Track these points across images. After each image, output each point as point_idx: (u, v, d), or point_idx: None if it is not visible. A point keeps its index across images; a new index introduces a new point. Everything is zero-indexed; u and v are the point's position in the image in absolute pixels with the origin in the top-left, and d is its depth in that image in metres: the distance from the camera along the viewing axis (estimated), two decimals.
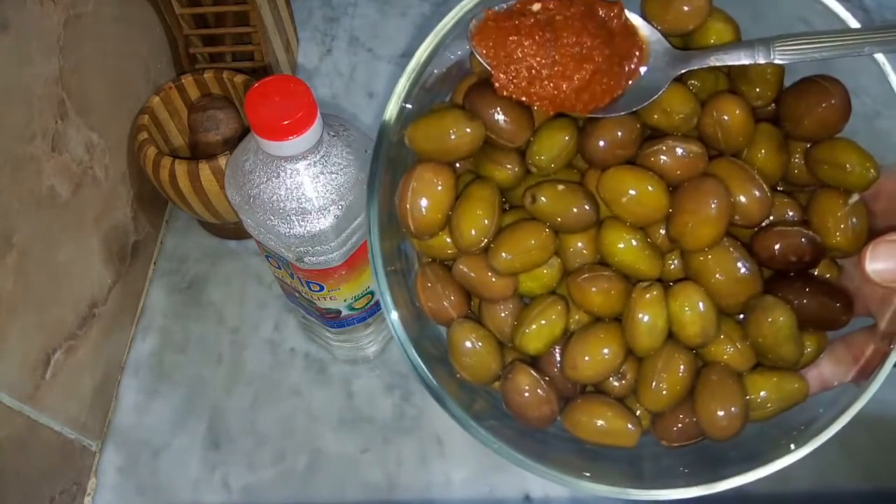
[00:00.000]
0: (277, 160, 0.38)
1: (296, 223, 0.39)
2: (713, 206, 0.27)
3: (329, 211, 0.39)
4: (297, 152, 0.37)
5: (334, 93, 0.73)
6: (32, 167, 0.46)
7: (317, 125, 0.37)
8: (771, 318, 0.28)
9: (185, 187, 0.53)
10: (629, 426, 0.30)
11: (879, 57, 0.29)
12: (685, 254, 0.30)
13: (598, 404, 0.30)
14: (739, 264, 0.28)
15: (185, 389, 0.56)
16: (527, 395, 0.30)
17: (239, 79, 0.58)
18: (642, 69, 0.29)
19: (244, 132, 0.59)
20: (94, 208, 0.53)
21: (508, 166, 0.30)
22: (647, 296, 0.28)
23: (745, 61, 0.28)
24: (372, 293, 0.48)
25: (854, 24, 0.29)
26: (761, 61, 0.28)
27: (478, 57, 0.29)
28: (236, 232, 0.62)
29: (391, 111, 0.31)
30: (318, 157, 0.38)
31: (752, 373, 0.29)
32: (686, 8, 0.29)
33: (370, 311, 0.50)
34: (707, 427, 0.29)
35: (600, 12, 0.28)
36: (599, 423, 0.30)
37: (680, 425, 0.30)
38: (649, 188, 0.28)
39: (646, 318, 0.28)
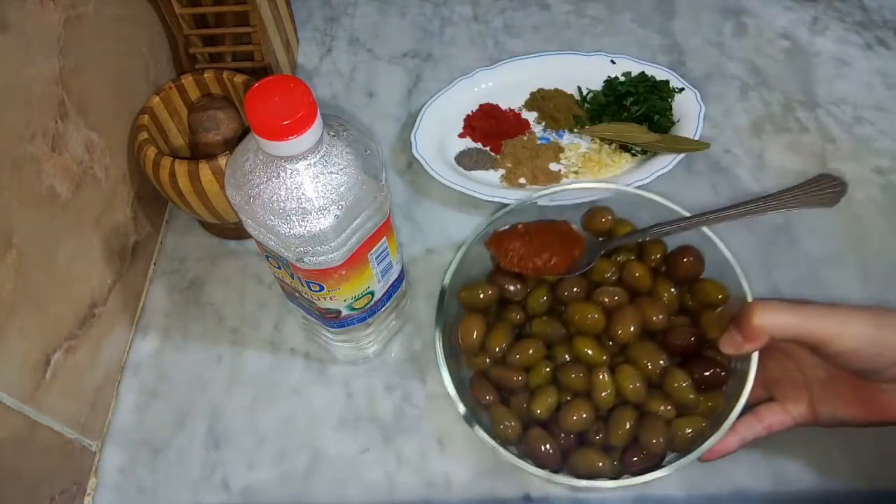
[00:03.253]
0: (277, 160, 0.38)
1: (296, 223, 0.39)
2: (630, 315, 0.47)
3: (329, 211, 0.39)
4: (297, 152, 0.37)
5: (334, 93, 0.73)
6: (32, 167, 0.46)
7: (317, 125, 0.37)
8: (676, 378, 0.46)
9: (185, 187, 0.53)
10: (603, 461, 0.46)
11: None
12: (622, 347, 0.48)
13: (586, 452, 0.46)
14: (655, 351, 0.47)
15: (185, 389, 0.56)
16: (540, 443, 0.46)
17: (239, 79, 0.58)
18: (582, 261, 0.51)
19: (244, 132, 0.59)
20: (94, 208, 0.53)
21: (515, 313, 0.51)
22: (601, 374, 0.46)
23: (639, 239, 0.51)
24: (372, 293, 0.48)
25: (686, 213, 0.51)
26: (647, 238, 0.51)
27: (490, 251, 0.52)
28: (236, 232, 0.62)
29: (447, 279, 0.51)
30: (318, 157, 0.38)
31: (677, 419, 0.46)
32: (603, 220, 0.53)
33: (370, 311, 0.50)
34: (646, 448, 0.45)
35: (556, 226, 0.52)
36: (586, 463, 0.46)
37: (635, 457, 0.46)
38: (594, 311, 0.48)
39: (602, 386, 0.46)
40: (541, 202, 0.55)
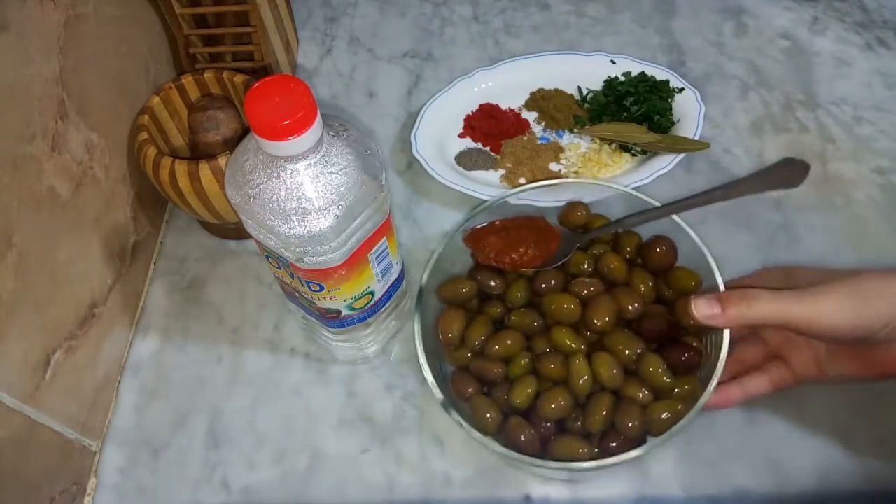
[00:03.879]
0: (277, 160, 0.38)
1: (296, 223, 0.39)
2: (605, 304, 0.49)
3: (329, 211, 0.39)
4: (297, 152, 0.37)
5: (334, 93, 0.73)
6: (32, 167, 0.46)
7: (317, 125, 0.37)
8: (651, 363, 0.47)
9: (185, 187, 0.53)
10: (582, 447, 0.46)
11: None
12: (599, 335, 0.49)
13: (565, 439, 0.47)
14: (630, 338, 0.48)
15: (185, 389, 0.56)
16: (520, 432, 0.47)
17: (239, 79, 0.58)
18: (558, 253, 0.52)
19: (244, 132, 0.59)
20: (94, 208, 0.53)
21: (495, 307, 0.52)
22: (577, 360, 0.47)
23: (613, 230, 0.53)
24: (372, 293, 0.48)
25: (657, 203, 0.52)
26: (620, 230, 0.53)
27: (468, 248, 0.53)
28: (236, 232, 0.62)
29: (425, 277, 0.51)
30: (318, 157, 0.38)
31: (653, 403, 0.46)
32: (578, 214, 0.55)
33: (370, 311, 0.50)
34: (623, 432, 0.46)
35: (533, 221, 0.53)
36: (566, 450, 0.46)
37: (613, 442, 0.46)
38: (570, 302, 0.49)
39: (579, 373, 0.47)
40: (538, 204, 0.55)
